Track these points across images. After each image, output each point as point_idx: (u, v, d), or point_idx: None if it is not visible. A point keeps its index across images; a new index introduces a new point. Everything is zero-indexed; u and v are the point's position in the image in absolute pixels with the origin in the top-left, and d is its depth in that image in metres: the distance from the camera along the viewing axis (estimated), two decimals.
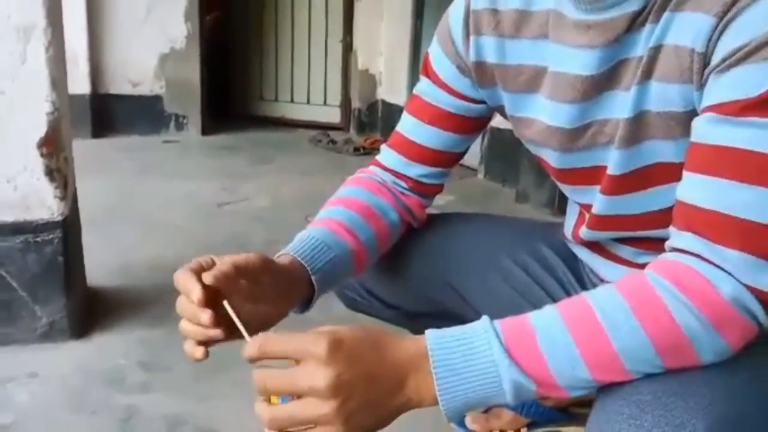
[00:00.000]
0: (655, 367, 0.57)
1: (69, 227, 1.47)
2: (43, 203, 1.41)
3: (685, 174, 0.61)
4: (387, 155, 0.91)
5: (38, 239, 1.42)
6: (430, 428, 0.99)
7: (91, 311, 1.59)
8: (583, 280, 0.91)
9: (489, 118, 0.89)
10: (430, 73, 0.85)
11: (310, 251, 0.77)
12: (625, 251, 0.79)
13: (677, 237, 0.61)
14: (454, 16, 0.81)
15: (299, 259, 0.75)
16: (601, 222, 0.77)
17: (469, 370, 0.56)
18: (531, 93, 0.76)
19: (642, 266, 0.80)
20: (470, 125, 0.86)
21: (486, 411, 1.26)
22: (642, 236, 0.76)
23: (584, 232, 0.81)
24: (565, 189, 0.82)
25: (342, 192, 0.89)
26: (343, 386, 0.54)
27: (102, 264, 1.80)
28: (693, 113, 0.62)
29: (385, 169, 0.91)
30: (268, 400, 0.57)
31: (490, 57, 0.78)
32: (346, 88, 4.27)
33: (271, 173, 3.17)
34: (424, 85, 0.86)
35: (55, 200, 1.42)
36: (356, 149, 3.71)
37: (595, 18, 0.66)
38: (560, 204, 2.41)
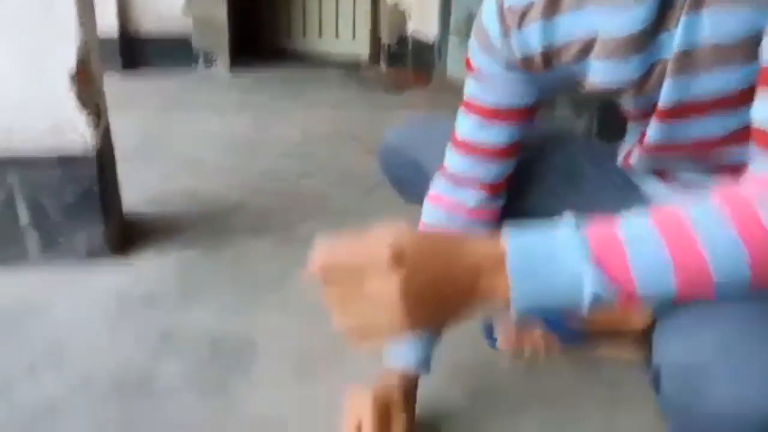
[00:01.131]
0: (743, 285, 0.54)
1: (103, 157, 1.49)
2: (76, 132, 1.43)
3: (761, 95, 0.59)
4: (456, 161, 0.91)
5: (74, 169, 1.44)
6: None
7: (128, 237, 1.63)
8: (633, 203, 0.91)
9: (547, 99, 0.88)
10: (476, 74, 0.84)
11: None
12: (682, 177, 0.79)
13: (761, 160, 0.59)
14: (487, 16, 0.80)
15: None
16: (655, 148, 0.77)
17: (549, 278, 0.55)
18: (586, 61, 0.75)
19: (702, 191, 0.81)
20: (531, 111, 0.86)
21: (518, 330, 1.27)
22: (695, 163, 0.76)
23: (637, 158, 0.80)
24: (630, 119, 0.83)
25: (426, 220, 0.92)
26: (409, 296, 0.54)
27: (137, 194, 1.83)
28: (749, 40, 0.61)
29: (459, 181, 0.92)
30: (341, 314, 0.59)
31: (535, 44, 0.77)
32: (375, 22, 4.19)
33: (301, 108, 3.15)
34: (472, 87, 0.86)
35: (88, 129, 1.44)
36: (386, 83, 3.67)
37: None
38: (599, 132, 2.36)
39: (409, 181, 1.07)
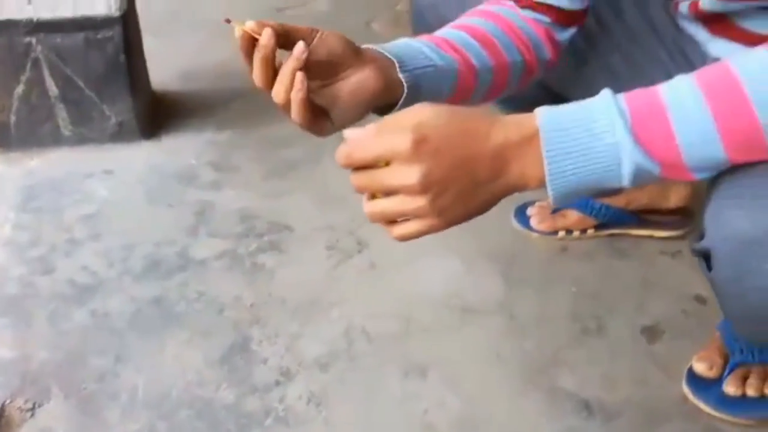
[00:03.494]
0: None
1: (128, 24, 1.43)
2: None
3: None
4: None
5: (99, 35, 1.39)
6: None
7: (159, 113, 1.60)
8: (679, 57, 0.84)
9: None
10: None
11: (401, 52, 0.67)
12: (755, 22, 0.72)
13: None
14: None
15: (386, 53, 0.66)
16: None
17: (586, 153, 0.52)
18: None
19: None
20: None
21: (551, 210, 1.24)
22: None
23: (709, 3, 0.73)
24: None
25: (458, 21, 0.77)
26: (433, 182, 0.52)
27: (166, 69, 1.78)
28: None
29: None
30: (374, 197, 0.57)
31: None
32: None
33: None
34: None
35: None
36: None
37: None
38: None
39: None
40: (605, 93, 0.53)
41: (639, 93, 0.53)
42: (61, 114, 1.47)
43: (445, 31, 0.74)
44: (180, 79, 1.79)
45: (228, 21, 0.62)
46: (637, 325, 1.09)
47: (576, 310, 1.11)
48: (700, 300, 1.12)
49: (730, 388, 0.95)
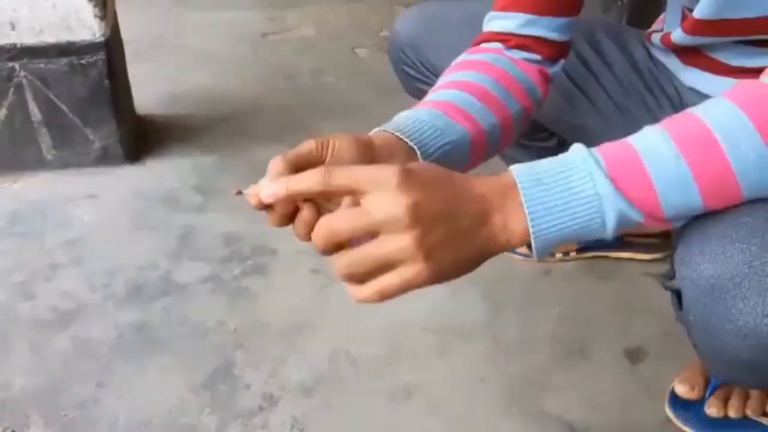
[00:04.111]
0: None
1: (112, 49, 1.44)
2: (83, 23, 1.38)
3: None
4: (500, 23, 0.77)
5: (82, 61, 1.40)
6: None
7: (142, 137, 1.61)
8: (654, 86, 0.86)
9: None
10: None
11: (417, 134, 0.63)
12: (725, 54, 0.73)
13: None
14: None
15: (405, 138, 0.61)
16: (702, 26, 0.72)
17: (567, 205, 0.50)
18: None
19: (738, 71, 0.75)
20: None
21: None
22: (748, 40, 0.70)
23: (678, 36, 0.74)
24: None
25: (451, 77, 0.73)
26: (421, 215, 0.48)
27: (150, 93, 1.79)
28: None
29: (504, 39, 0.76)
30: (340, 249, 0.51)
31: None
32: None
33: (315, 2, 3.02)
34: None
35: (95, 20, 1.38)
36: None
37: None
38: (629, 21, 2.25)
39: (421, 90, 0.97)
40: (578, 147, 0.53)
41: (611, 145, 0.53)
42: (44, 138, 1.46)
43: (447, 93, 0.70)
44: (164, 103, 1.80)
45: (239, 193, 0.57)
46: (620, 346, 1.10)
47: (559, 332, 1.12)
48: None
49: (712, 409, 0.95)
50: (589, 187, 0.50)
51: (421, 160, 0.61)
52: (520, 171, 0.51)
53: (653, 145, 0.51)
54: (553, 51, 0.76)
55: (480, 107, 0.69)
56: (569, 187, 0.50)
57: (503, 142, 0.73)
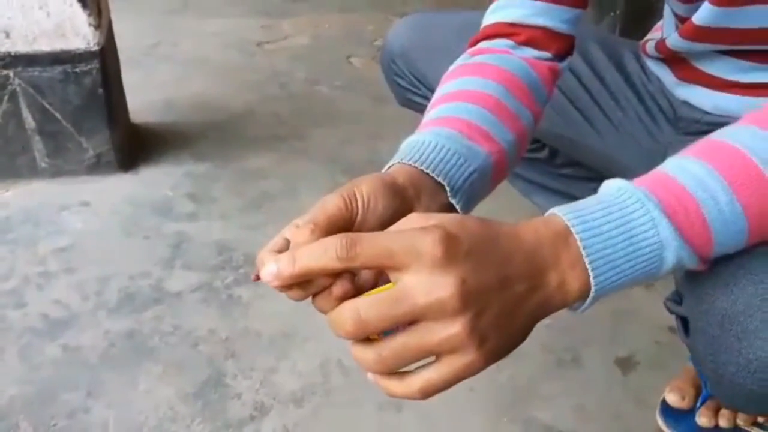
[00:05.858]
0: None
1: (107, 58, 1.44)
2: (78, 32, 1.38)
3: None
4: (509, 12, 0.71)
5: (77, 69, 1.40)
6: None
7: (136, 145, 1.61)
8: (648, 99, 0.86)
9: None
10: None
11: (442, 165, 0.54)
12: (719, 68, 0.73)
13: None
14: None
15: (431, 173, 0.54)
16: (700, 32, 0.71)
17: (629, 256, 0.45)
18: None
19: (732, 86, 0.74)
20: None
21: None
22: (747, 50, 0.70)
23: (675, 41, 0.74)
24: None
25: (456, 84, 0.65)
26: (471, 294, 0.40)
27: (144, 101, 1.79)
28: None
29: (512, 33, 0.70)
30: (367, 340, 0.43)
31: None
32: None
33: (310, 11, 3.03)
34: None
35: (90, 29, 1.39)
36: None
37: None
38: (622, 32, 2.26)
39: (412, 101, 0.96)
40: (625, 186, 0.47)
41: (659, 182, 0.47)
42: (38, 146, 1.46)
43: (458, 107, 0.61)
44: (158, 110, 1.80)
45: (257, 278, 0.48)
46: (611, 356, 1.10)
47: (550, 342, 1.12)
48: (674, 331, 1.13)
49: (702, 419, 0.95)
50: (651, 234, 0.45)
51: (451, 199, 0.55)
52: (571, 217, 0.45)
53: (701, 181, 0.47)
54: (562, 46, 0.72)
55: (496, 122, 0.61)
56: (631, 236, 0.45)
57: (517, 161, 0.66)
